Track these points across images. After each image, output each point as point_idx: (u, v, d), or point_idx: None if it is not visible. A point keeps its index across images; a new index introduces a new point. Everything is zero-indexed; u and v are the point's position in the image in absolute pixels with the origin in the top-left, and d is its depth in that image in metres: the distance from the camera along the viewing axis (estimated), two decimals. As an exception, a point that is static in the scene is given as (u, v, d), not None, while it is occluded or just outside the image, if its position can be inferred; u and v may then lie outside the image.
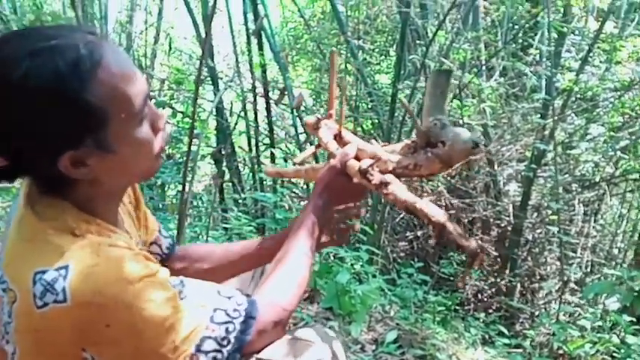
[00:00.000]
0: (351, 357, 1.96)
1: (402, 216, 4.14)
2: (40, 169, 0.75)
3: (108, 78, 0.71)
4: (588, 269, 3.88)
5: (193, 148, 2.78)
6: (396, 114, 3.69)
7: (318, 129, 1.17)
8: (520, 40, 4.24)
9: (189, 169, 2.20)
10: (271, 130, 4.18)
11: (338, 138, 1.14)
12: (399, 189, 0.97)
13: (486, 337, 2.74)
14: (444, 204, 3.93)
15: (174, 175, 4.13)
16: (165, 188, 4.49)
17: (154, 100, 4.50)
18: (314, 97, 5.24)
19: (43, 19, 3.54)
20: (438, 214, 0.92)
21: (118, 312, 0.69)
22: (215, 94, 4.03)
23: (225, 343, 0.77)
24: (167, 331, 0.73)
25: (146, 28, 4.97)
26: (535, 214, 4.02)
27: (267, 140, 4.38)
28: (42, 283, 0.68)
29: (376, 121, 4.19)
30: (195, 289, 0.79)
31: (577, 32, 4.19)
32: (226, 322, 0.78)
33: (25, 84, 0.67)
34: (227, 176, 4.39)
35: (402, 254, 4.02)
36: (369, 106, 4.33)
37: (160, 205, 4.07)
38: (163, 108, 4.68)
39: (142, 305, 0.70)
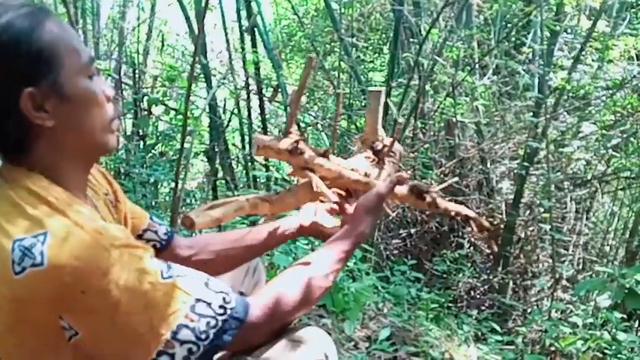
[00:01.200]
0: (345, 354, 1.96)
1: (395, 214, 4.15)
2: (3, 118, 0.76)
3: (56, 28, 0.78)
4: (580, 266, 3.91)
5: (186, 145, 2.77)
6: (389, 112, 3.69)
7: (299, 154, 1.04)
8: (513, 39, 4.25)
9: (182, 166, 2.18)
10: (265, 128, 4.17)
11: (324, 157, 1.07)
12: (441, 200, 1.16)
13: (479, 334, 2.75)
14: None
15: (167, 173, 4.11)
16: (158, 186, 4.47)
17: (146, 97, 4.48)
18: (307, 94, 5.23)
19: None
20: (470, 212, 1.19)
21: (93, 278, 0.69)
22: (208, 91, 4.01)
23: (203, 337, 0.75)
24: (144, 308, 0.72)
25: (139, 25, 4.93)
26: (527, 212, 4.04)
27: (260, 138, 4.36)
28: (20, 249, 0.69)
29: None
30: (182, 274, 0.77)
31: (569, 31, 4.21)
32: (208, 317, 0.75)
33: None
34: (220, 173, 4.38)
35: (395, 252, 4.02)
36: (363, 104, 4.33)
37: (153, 203, 4.05)
38: (156, 105, 4.66)
39: (118, 274, 0.70)
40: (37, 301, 0.70)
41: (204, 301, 0.76)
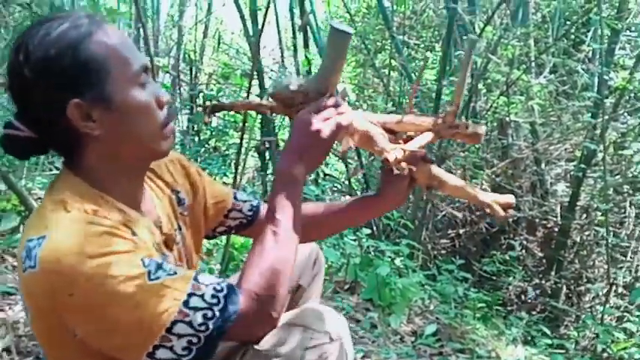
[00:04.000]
0: (391, 347, 1.98)
1: (443, 213, 4.11)
2: (54, 127, 0.80)
3: (106, 39, 0.80)
4: (639, 273, 3.75)
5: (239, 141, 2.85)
6: (440, 110, 3.67)
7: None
8: (572, 37, 4.12)
9: (239, 162, 2.27)
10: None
11: None
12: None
13: (528, 337, 2.69)
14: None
15: (220, 167, 4.24)
16: (211, 180, 4.60)
17: (201, 94, 4.64)
18: (357, 92, 5.25)
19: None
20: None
21: (77, 282, 0.72)
22: (260, 88, 4.10)
23: (202, 328, 0.75)
24: (133, 309, 0.73)
25: (196, 24, 5.10)
26: (584, 216, 3.91)
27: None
28: (26, 249, 0.75)
29: (420, 117, 4.15)
30: (171, 273, 0.77)
31: (633, 29, 4.03)
32: (204, 309, 0.76)
33: (36, 42, 0.78)
34: (270, 169, 4.46)
35: (442, 251, 3.99)
36: (413, 102, 4.31)
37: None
38: (210, 101, 4.80)
39: (101, 280, 0.72)
40: (38, 298, 0.75)
41: (197, 295, 0.76)
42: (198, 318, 0.75)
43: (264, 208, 1.15)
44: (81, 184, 0.82)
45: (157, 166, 0.99)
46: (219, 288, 0.78)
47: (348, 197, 1.27)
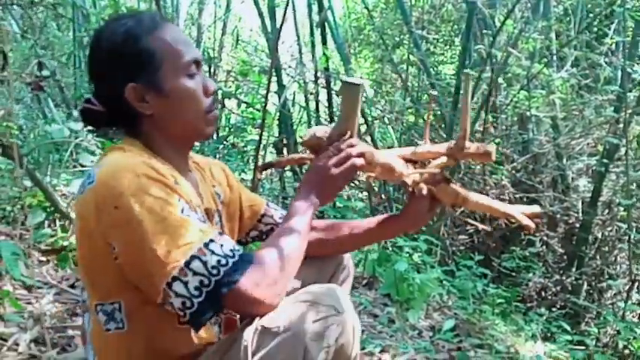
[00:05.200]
0: (409, 342, 1.98)
1: (462, 209, 4.08)
2: (116, 104, 0.94)
3: (163, 35, 0.94)
4: (663, 270, 3.67)
5: (257, 137, 2.87)
6: (459, 105, 3.64)
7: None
8: (595, 29, 4.04)
9: (258, 158, 2.29)
10: (332, 120, 4.23)
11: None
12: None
13: (548, 334, 2.67)
14: (507, 198, 3.84)
15: (238, 164, 4.27)
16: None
17: (220, 91, 4.67)
18: (375, 87, 5.24)
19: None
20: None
21: (124, 196, 0.82)
22: (278, 84, 4.12)
23: (214, 272, 0.82)
24: (162, 231, 0.81)
25: (214, 22, 5.14)
26: (606, 211, 3.84)
27: (328, 130, 4.43)
28: (86, 175, 0.89)
29: (438, 112, 4.14)
30: (202, 220, 0.87)
31: (658, 20, 3.94)
32: (219, 255, 0.83)
33: (107, 35, 0.94)
34: (288, 166, 4.48)
35: (461, 247, 3.96)
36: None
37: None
38: (229, 99, 4.84)
39: (143, 197, 0.82)
40: (89, 215, 0.85)
41: (217, 243, 0.84)
42: (212, 261, 0.82)
43: None
44: (139, 143, 0.96)
45: (202, 162, 1.13)
46: (236, 248, 0.86)
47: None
